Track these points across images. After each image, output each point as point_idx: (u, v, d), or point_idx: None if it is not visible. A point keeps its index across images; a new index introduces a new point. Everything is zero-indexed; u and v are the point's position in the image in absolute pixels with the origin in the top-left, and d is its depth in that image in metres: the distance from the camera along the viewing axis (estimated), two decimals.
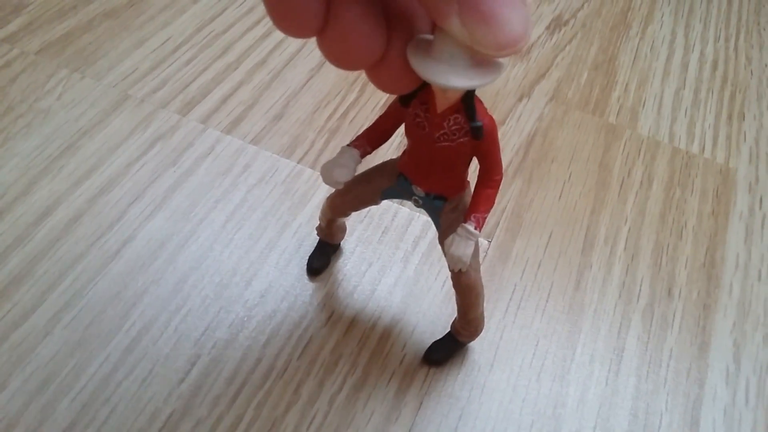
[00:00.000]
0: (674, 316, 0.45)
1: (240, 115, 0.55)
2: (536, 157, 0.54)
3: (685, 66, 0.65)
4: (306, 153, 0.53)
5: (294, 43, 0.62)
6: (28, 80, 0.56)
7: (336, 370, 0.41)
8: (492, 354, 0.42)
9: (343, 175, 0.31)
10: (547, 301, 0.45)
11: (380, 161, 0.35)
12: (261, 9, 0.66)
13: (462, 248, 0.29)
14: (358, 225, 0.48)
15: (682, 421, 0.40)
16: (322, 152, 0.53)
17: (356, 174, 0.32)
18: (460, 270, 0.31)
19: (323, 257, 0.45)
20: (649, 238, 0.50)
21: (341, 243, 0.47)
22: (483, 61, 0.22)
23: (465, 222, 0.29)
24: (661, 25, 0.69)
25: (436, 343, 0.41)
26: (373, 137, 0.32)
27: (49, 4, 0.63)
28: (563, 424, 0.40)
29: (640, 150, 0.56)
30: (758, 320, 0.46)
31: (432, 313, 0.44)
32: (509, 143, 0.55)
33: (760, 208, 0.52)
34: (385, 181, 0.34)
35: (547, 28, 0.67)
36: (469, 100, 0.26)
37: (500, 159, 0.29)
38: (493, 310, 0.44)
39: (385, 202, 0.49)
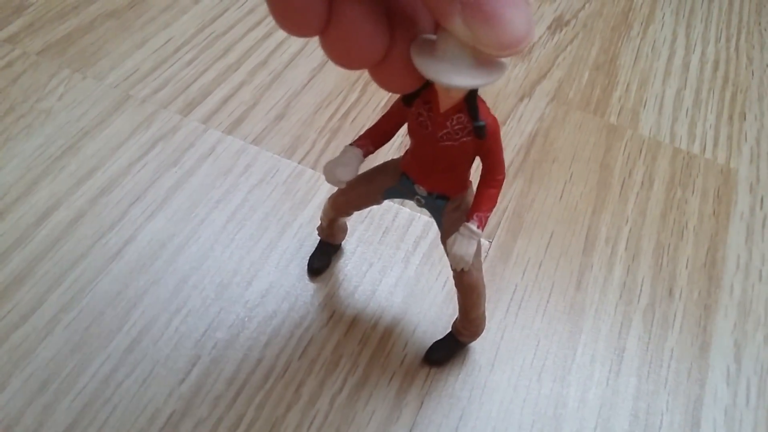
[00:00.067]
0: (675, 316, 0.45)
1: (241, 115, 0.55)
2: (537, 158, 0.54)
3: (686, 66, 0.65)
4: (307, 153, 0.53)
5: (295, 43, 0.62)
6: (29, 81, 0.56)
7: (337, 370, 0.41)
8: (493, 354, 0.42)
9: (346, 174, 0.31)
10: (548, 301, 0.45)
11: (382, 161, 0.35)
12: (262, 10, 0.66)
13: (464, 247, 0.29)
14: (359, 225, 0.48)
15: (682, 421, 0.40)
16: (323, 153, 0.53)
17: (359, 173, 0.32)
18: (462, 269, 0.31)
19: (324, 257, 0.45)
20: (650, 238, 0.50)
21: (342, 243, 0.47)
22: (486, 60, 0.23)
23: (467, 221, 0.30)
24: (663, 26, 0.69)
25: (437, 343, 0.41)
26: (375, 137, 0.32)
27: (51, 5, 0.63)
28: (564, 424, 0.40)
29: (641, 150, 0.56)
30: (759, 320, 0.45)
31: (433, 313, 0.44)
32: (510, 143, 0.55)
33: (761, 208, 0.52)
34: (387, 180, 0.34)
35: (549, 28, 0.67)
36: (472, 99, 0.26)
37: (503, 158, 0.29)
38: (493, 310, 0.44)
39: (386, 203, 0.49)
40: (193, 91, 0.57)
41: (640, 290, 0.46)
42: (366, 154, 0.31)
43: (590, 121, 0.58)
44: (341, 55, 0.21)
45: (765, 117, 0.60)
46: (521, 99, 0.59)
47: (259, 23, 0.64)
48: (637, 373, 0.42)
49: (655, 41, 0.67)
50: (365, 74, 0.60)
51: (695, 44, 0.67)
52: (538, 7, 0.70)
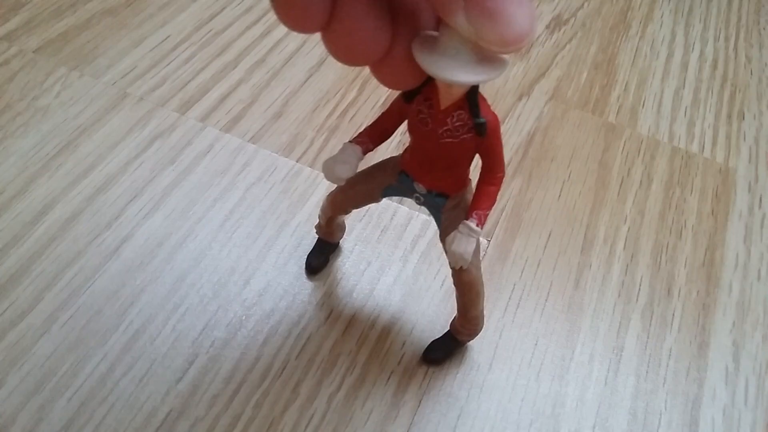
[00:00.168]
0: (673, 315, 0.45)
1: (239, 113, 0.55)
2: (536, 156, 0.54)
3: (684, 65, 0.65)
4: (305, 152, 0.53)
5: (293, 41, 0.62)
6: (26, 78, 0.56)
7: (334, 369, 0.41)
8: (491, 353, 0.42)
9: (345, 172, 0.30)
10: (546, 300, 0.45)
11: (381, 159, 0.35)
12: (260, 8, 0.65)
13: (463, 245, 0.29)
14: (357, 224, 0.48)
15: (681, 420, 0.40)
16: (321, 151, 0.53)
17: (358, 171, 0.32)
18: (461, 267, 0.31)
19: (322, 256, 0.45)
20: (649, 237, 0.50)
21: (340, 242, 0.47)
22: (487, 56, 0.22)
23: (467, 219, 0.29)
24: (661, 25, 0.69)
25: (435, 342, 0.41)
26: (375, 134, 0.31)
27: (48, 2, 0.63)
28: (562, 423, 0.40)
29: (639, 149, 0.56)
30: (758, 320, 0.45)
31: (431, 312, 0.44)
32: (509, 142, 0.55)
33: (760, 207, 0.52)
34: (386, 178, 0.34)
35: (547, 27, 0.67)
36: (473, 96, 0.26)
37: (503, 156, 0.29)
38: (492, 309, 0.44)
39: (384, 201, 0.49)
40: (190, 89, 0.56)
41: (639, 289, 0.46)
42: (365, 152, 0.31)
43: (589, 120, 0.58)
44: (343, 51, 0.21)
45: (764, 116, 0.60)
46: (520, 98, 0.59)
47: (257, 21, 0.64)
48: (635, 372, 0.42)
49: (653, 40, 0.67)
50: (363, 72, 0.60)
51: (694, 43, 0.67)
52: (537, 6, 0.70)
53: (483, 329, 0.40)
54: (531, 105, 0.59)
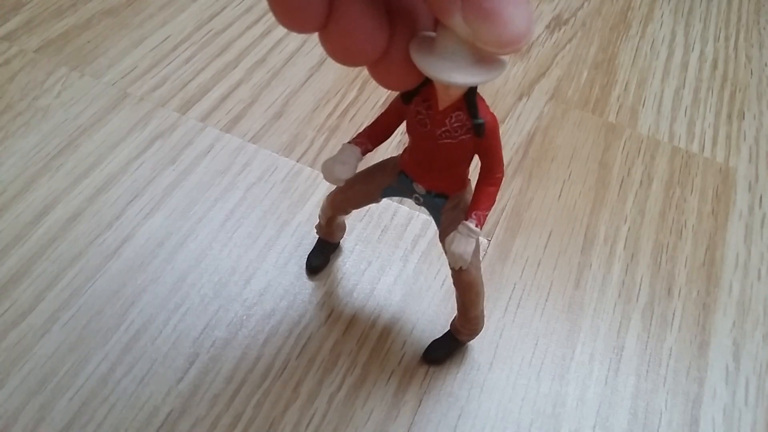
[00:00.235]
0: (674, 315, 0.45)
1: (239, 113, 0.55)
2: (536, 156, 0.54)
3: (684, 65, 0.64)
4: (305, 151, 0.53)
5: (293, 41, 0.62)
6: (26, 78, 0.56)
7: (335, 368, 0.41)
8: (491, 353, 0.42)
9: (344, 172, 0.30)
10: (546, 300, 0.45)
11: (381, 159, 0.35)
12: (260, 7, 0.65)
13: (463, 246, 0.29)
14: (358, 224, 0.48)
15: (681, 420, 0.40)
16: (321, 151, 0.53)
17: (357, 171, 0.32)
18: (460, 268, 0.31)
19: (322, 256, 0.45)
20: (649, 237, 0.50)
21: (341, 242, 0.47)
22: (485, 58, 0.22)
23: (466, 219, 0.29)
24: (661, 25, 0.69)
25: (436, 342, 0.41)
26: (374, 135, 0.31)
27: (49, 2, 0.63)
28: (563, 423, 0.40)
29: (639, 149, 0.56)
30: (758, 319, 0.45)
31: (431, 312, 0.44)
32: (509, 142, 0.55)
33: (760, 207, 0.52)
34: (386, 178, 0.34)
35: (547, 27, 0.67)
36: (471, 97, 0.26)
37: (502, 157, 0.29)
38: (492, 309, 0.44)
39: (384, 201, 0.49)
40: (191, 89, 0.56)
41: (639, 289, 0.46)
42: (364, 152, 0.31)
43: (589, 119, 0.58)
44: (341, 51, 0.21)
45: (764, 116, 0.60)
46: (520, 98, 0.59)
47: (257, 21, 0.64)
48: (636, 371, 0.42)
49: (653, 40, 0.67)
50: (364, 72, 0.60)
51: (694, 43, 0.67)
52: (537, 6, 0.70)
53: (483, 329, 0.40)
54: (531, 105, 0.59)
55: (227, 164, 0.51)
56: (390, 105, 0.31)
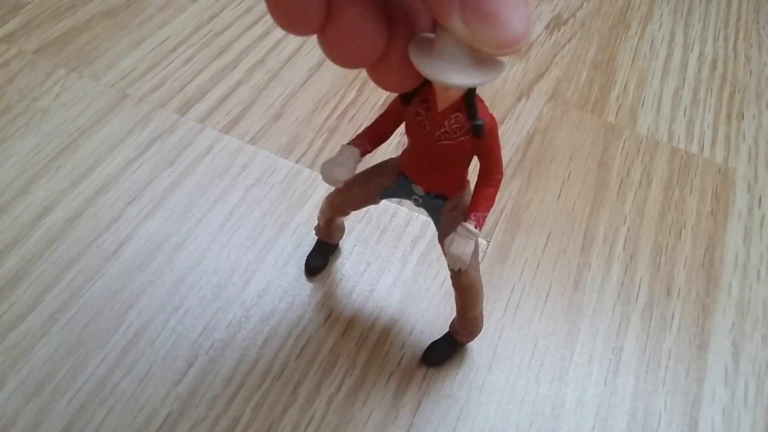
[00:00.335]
0: (673, 316, 0.45)
1: (238, 114, 0.55)
2: (535, 157, 0.54)
3: (684, 65, 0.64)
4: (304, 153, 0.53)
5: (292, 42, 0.62)
6: (25, 80, 0.56)
7: (334, 370, 0.41)
8: (490, 354, 0.42)
9: (343, 174, 0.30)
10: (545, 301, 0.45)
11: (380, 160, 0.35)
12: (259, 8, 0.65)
13: (462, 247, 0.29)
14: (357, 225, 0.48)
15: (680, 421, 0.40)
16: (320, 152, 0.53)
17: (356, 173, 0.32)
18: (459, 269, 0.31)
19: (321, 257, 0.45)
20: (648, 237, 0.50)
21: (339, 243, 0.47)
22: (484, 59, 0.22)
23: (465, 221, 0.29)
24: (660, 25, 0.69)
25: (435, 344, 0.41)
26: (373, 136, 0.31)
27: (47, 4, 0.63)
28: (562, 424, 0.40)
29: (639, 149, 0.56)
30: (757, 320, 0.45)
31: (430, 313, 0.44)
32: (508, 142, 0.55)
33: (759, 207, 0.52)
34: (384, 180, 0.34)
35: (546, 27, 0.67)
36: (470, 98, 0.26)
37: (501, 158, 0.29)
38: (491, 310, 0.44)
39: (383, 202, 0.49)
40: (190, 90, 0.56)
41: (638, 290, 0.46)
42: (363, 154, 0.31)
43: (588, 120, 0.58)
44: (339, 53, 0.21)
45: (763, 116, 0.60)
46: (519, 98, 0.59)
47: (256, 22, 0.64)
48: (635, 372, 0.42)
49: (653, 40, 0.67)
50: (363, 73, 0.60)
51: (693, 43, 0.67)
52: (536, 7, 0.70)
53: (482, 330, 0.40)
54: (530, 105, 0.59)
55: (226, 165, 0.51)
56: (389, 106, 0.31)
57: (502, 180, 0.31)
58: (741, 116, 0.60)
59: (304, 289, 0.44)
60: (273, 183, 0.50)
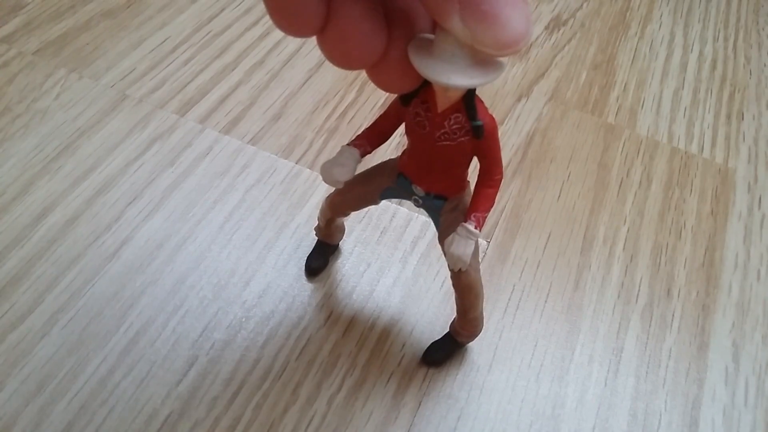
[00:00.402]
0: (673, 316, 0.45)
1: (238, 115, 0.55)
2: (535, 157, 0.54)
3: (683, 66, 0.65)
4: (304, 153, 0.53)
5: (292, 43, 0.62)
6: (25, 80, 0.56)
7: (334, 370, 0.41)
8: (491, 354, 0.42)
9: (343, 175, 0.30)
10: (545, 301, 0.45)
11: (380, 161, 0.35)
12: (259, 9, 0.65)
13: (462, 248, 0.29)
14: (357, 225, 0.48)
15: (681, 421, 0.40)
16: (320, 152, 0.53)
17: (356, 173, 0.32)
18: (460, 270, 0.31)
19: (321, 258, 0.45)
20: (648, 238, 0.50)
21: (340, 243, 0.47)
22: (484, 59, 0.22)
23: (465, 221, 0.29)
24: (660, 25, 0.69)
25: (435, 344, 0.41)
26: (373, 136, 0.31)
27: (47, 4, 0.63)
28: (562, 424, 0.40)
29: (638, 150, 0.56)
30: (757, 320, 0.45)
31: (431, 313, 0.44)
32: (508, 143, 0.55)
33: (759, 207, 0.52)
34: (384, 180, 0.34)
35: (546, 27, 0.67)
36: (470, 99, 0.26)
37: (500, 158, 0.29)
38: (491, 310, 0.44)
39: (384, 203, 0.49)
40: (190, 91, 0.56)
41: (638, 290, 0.46)
42: (363, 154, 0.31)
43: (588, 120, 0.58)
44: (339, 54, 0.21)
45: (763, 116, 0.60)
46: (519, 99, 0.59)
47: (256, 23, 0.64)
48: (635, 373, 0.42)
49: (652, 41, 0.67)
50: (362, 74, 0.60)
51: (693, 44, 0.67)
52: (536, 7, 0.70)
53: (482, 330, 0.40)
54: (530, 106, 0.59)
55: (226, 166, 0.51)
56: (389, 107, 0.31)
57: (502, 180, 0.31)
58: (741, 116, 0.60)
59: (305, 290, 0.44)
60: (273, 183, 0.50)
